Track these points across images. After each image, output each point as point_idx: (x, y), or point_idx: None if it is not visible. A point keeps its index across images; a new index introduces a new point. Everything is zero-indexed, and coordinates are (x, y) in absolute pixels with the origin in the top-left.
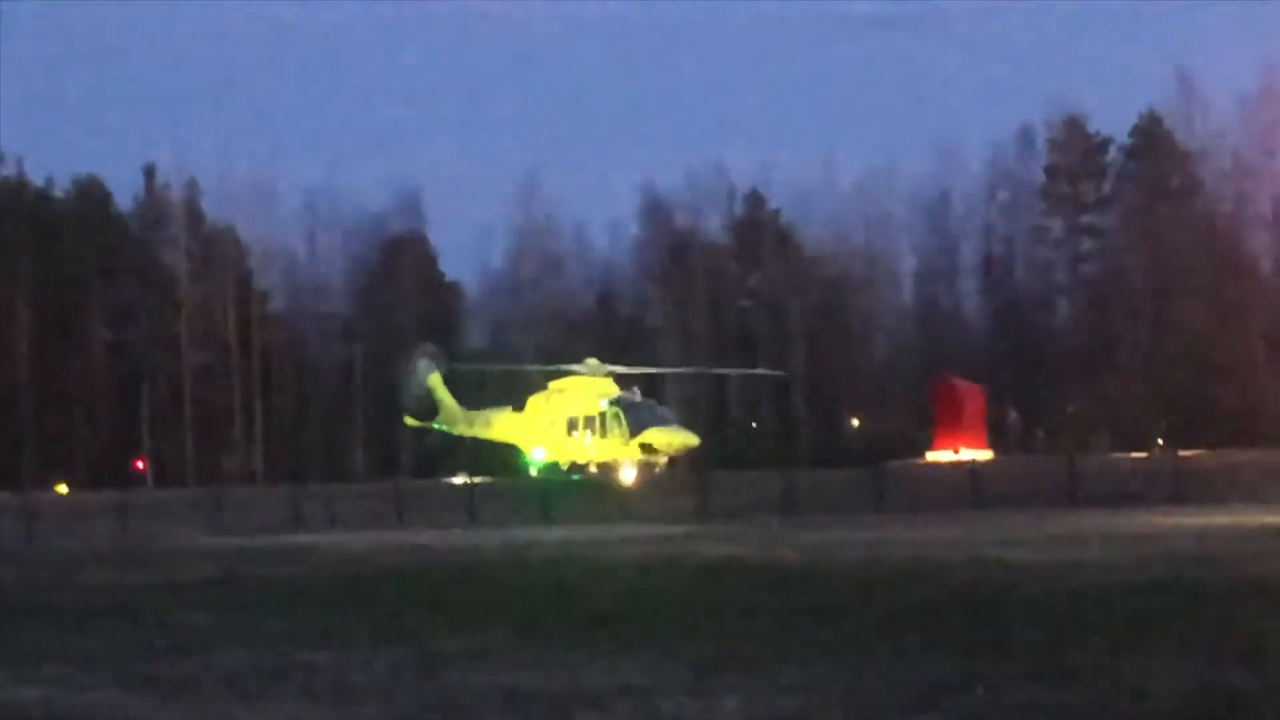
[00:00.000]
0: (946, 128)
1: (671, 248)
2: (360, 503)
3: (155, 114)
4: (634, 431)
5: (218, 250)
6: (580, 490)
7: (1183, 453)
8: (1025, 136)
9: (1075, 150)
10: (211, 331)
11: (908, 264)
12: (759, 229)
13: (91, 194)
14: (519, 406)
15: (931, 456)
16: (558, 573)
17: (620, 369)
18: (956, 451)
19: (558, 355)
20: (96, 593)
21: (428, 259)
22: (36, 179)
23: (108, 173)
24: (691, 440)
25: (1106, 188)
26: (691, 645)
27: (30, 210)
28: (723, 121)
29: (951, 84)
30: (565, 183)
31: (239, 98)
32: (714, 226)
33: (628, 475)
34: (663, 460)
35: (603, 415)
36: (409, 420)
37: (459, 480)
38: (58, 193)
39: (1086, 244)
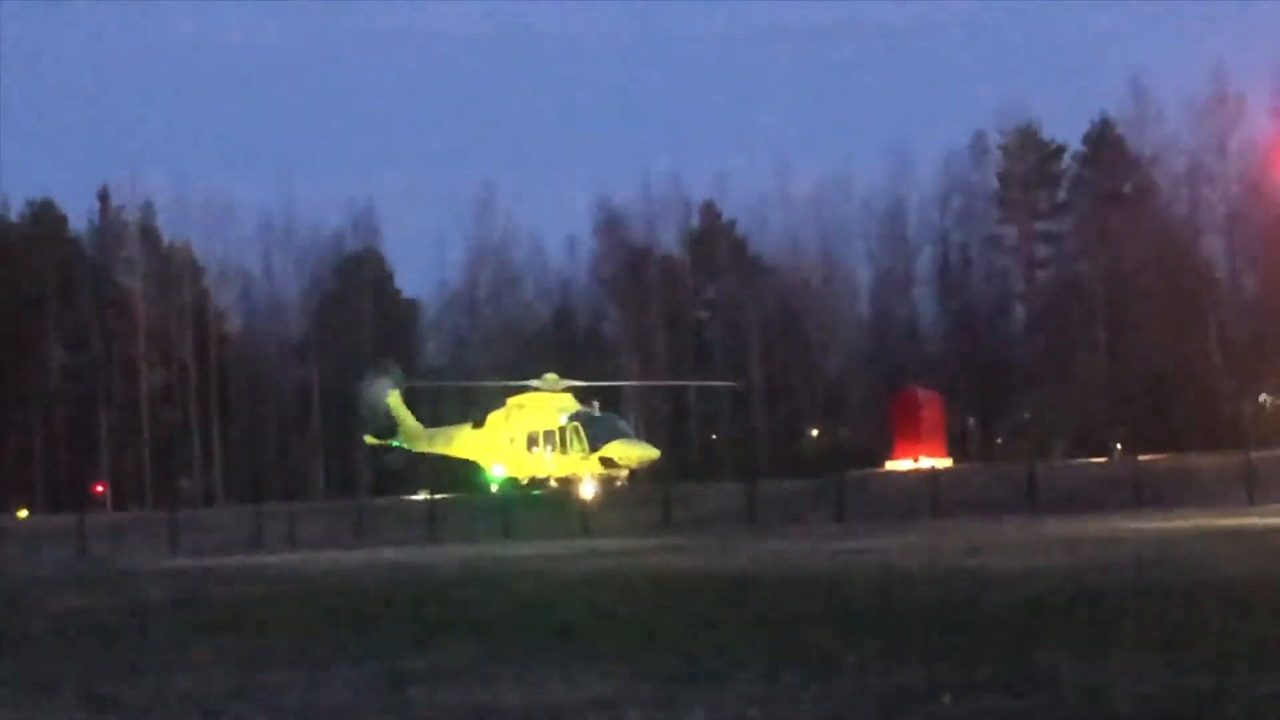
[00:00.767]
0: (900, 137)
1: (628, 261)
2: (320, 522)
3: (109, 136)
4: (594, 446)
5: (174, 271)
6: (541, 505)
7: (1142, 457)
8: (979, 144)
9: (1029, 157)
10: (169, 352)
11: (863, 273)
12: (714, 241)
13: (46, 216)
14: (478, 423)
15: (891, 465)
16: (521, 588)
17: (579, 383)
18: (916, 460)
19: (516, 371)
20: (58, 616)
21: (384, 276)
22: None
23: (62, 195)
24: (652, 453)
25: (1061, 194)
26: (657, 658)
27: None
28: (677, 134)
29: (904, 93)
30: (520, 198)
31: (193, 118)
32: (670, 239)
33: (588, 490)
34: (623, 474)
35: (562, 430)
36: (368, 438)
37: (420, 498)
38: (12, 216)
39: (1042, 251)
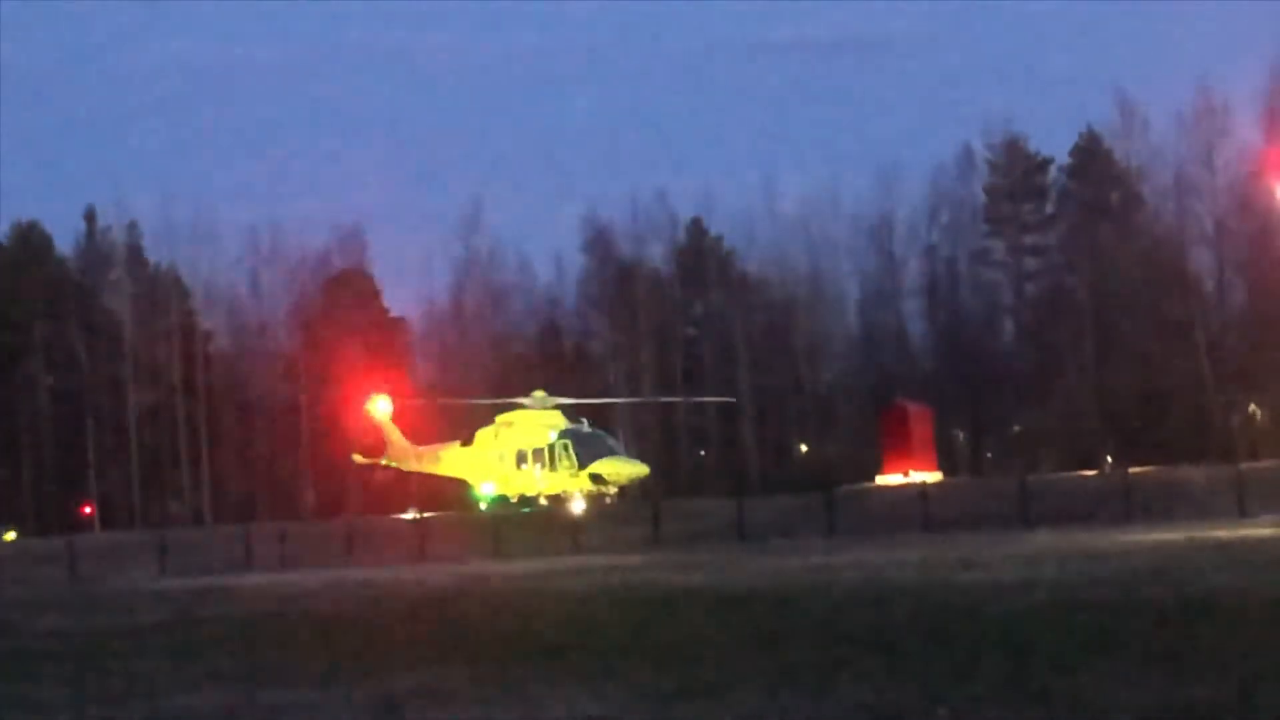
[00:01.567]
0: (887, 151)
1: (615, 277)
2: (310, 541)
3: (95, 157)
4: (583, 463)
5: (160, 292)
6: (531, 523)
7: (1132, 470)
8: (965, 158)
9: (1016, 171)
10: (156, 373)
11: (852, 288)
12: (702, 257)
13: (32, 238)
14: (467, 441)
15: (881, 480)
16: (512, 605)
17: (568, 400)
18: (906, 474)
19: (504, 388)
20: (51, 638)
21: (371, 295)
22: None
23: (48, 217)
24: (641, 470)
25: (1048, 207)
26: (650, 674)
27: None
28: (664, 150)
29: (891, 107)
30: (508, 215)
31: (179, 140)
32: (657, 255)
33: (578, 507)
34: (613, 490)
35: (551, 447)
36: (357, 457)
37: (409, 516)
38: None
39: (1029, 264)
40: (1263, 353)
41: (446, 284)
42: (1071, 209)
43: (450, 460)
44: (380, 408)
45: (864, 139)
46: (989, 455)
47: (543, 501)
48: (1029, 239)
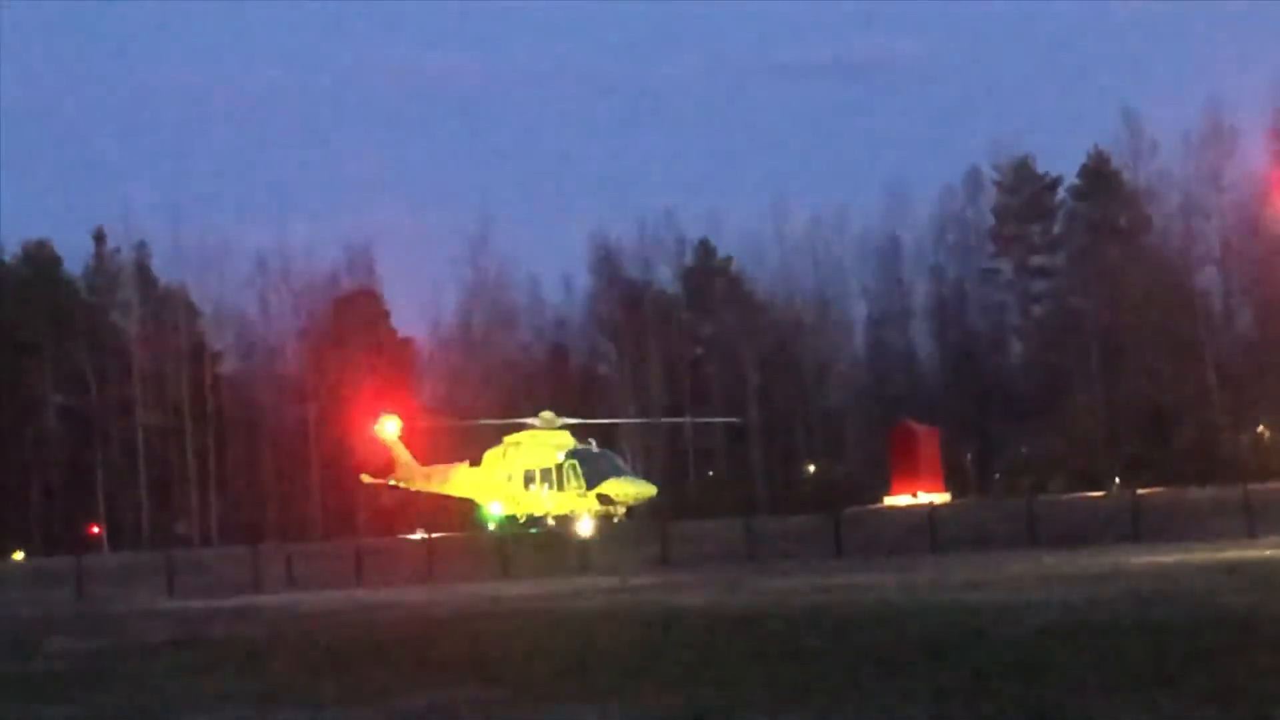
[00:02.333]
0: (894, 172)
1: (623, 298)
2: (319, 562)
3: (104, 177)
4: (591, 483)
5: (169, 312)
6: (539, 543)
7: (1140, 491)
8: (973, 179)
9: (1023, 192)
10: (164, 394)
11: (859, 309)
12: (710, 278)
13: (41, 258)
14: (475, 461)
15: (889, 501)
16: (521, 626)
17: (575, 420)
18: (914, 495)
19: (512, 409)
20: (61, 659)
21: (380, 315)
22: None
23: (57, 237)
24: (649, 490)
25: (1056, 228)
26: (661, 694)
27: None
28: (672, 172)
29: (899, 129)
30: (516, 236)
31: (188, 160)
32: (665, 276)
33: (586, 527)
34: (621, 511)
35: (559, 467)
36: (365, 477)
37: (417, 537)
38: (7, 258)
39: (1037, 285)
40: (1270, 373)
41: (455, 304)
42: (1079, 230)
43: (458, 480)
44: (388, 428)
45: (872, 160)
46: (996, 476)
47: (550, 522)
48: (1036, 260)
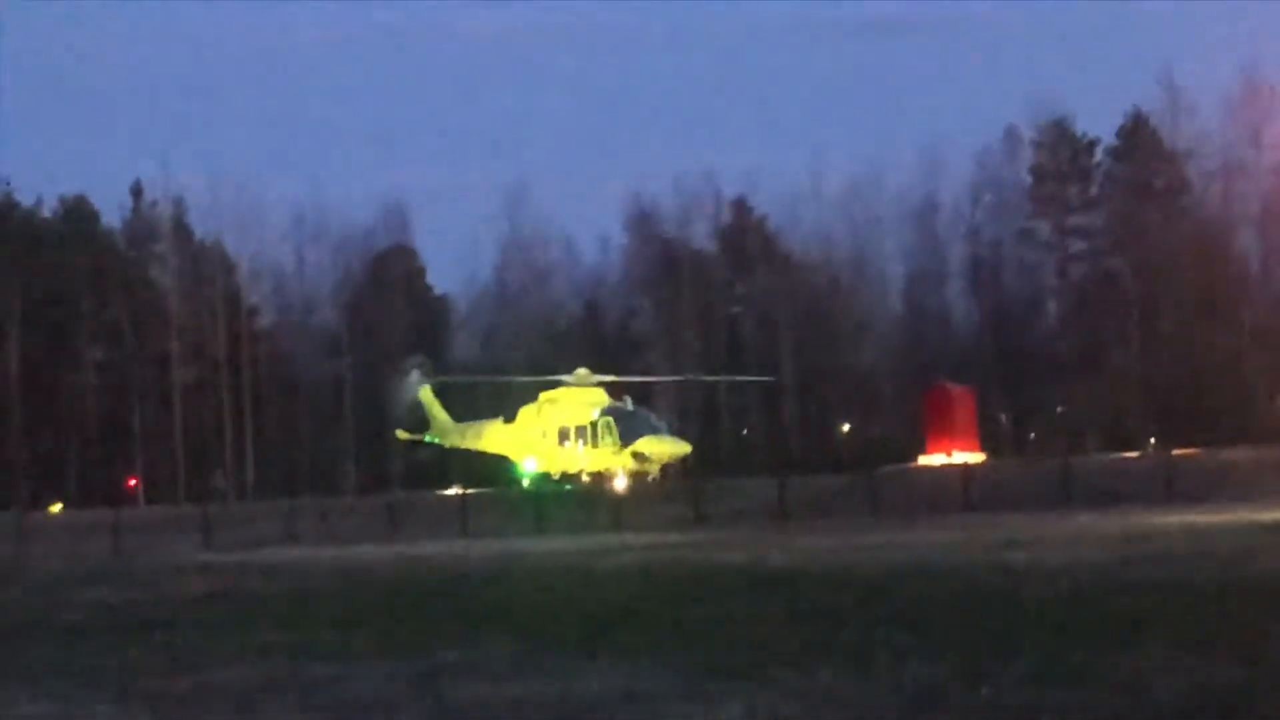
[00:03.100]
0: (932, 132)
1: (659, 257)
2: (353, 516)
3: (142, 132)
4: (626, 441)
5: (206, 266)
6: (573, 500)
7: (1175, 451)
8: (1011, 139)
9: (1061, 152)
10: (201, 348)
11: (896, 269)
12: (746, 236)
13: (79, 212)
14: (510, 418)
15: (924, 460)
16: (554, 582)
17: (610, 378)
18: (949, 455)
19: (547, 366)
20: (94, 610)
21: (416, 272)
22: (24, 199)
23: (95, 191)
24: (683, 448)
25: (1093, 189)
26: (692, 651)
27: (18, 230)
28: (709, 130)
29: (936, 88)
30: (552, 194)
31: (225, 114)
32: (701, 235)
33: (620, 484)
34: (655, 469)
35: (594, 425)
36: (401, 433)
37: (452, 492)
38: (45, 212)
39: (1074, 245)
40: None
41: (491, 261)
42: (1117, 191)
43: (493, 437)
44: (424, 384)
45: (909, 119)
46: (1032, 436)
47: (585, 479)
48: (1074, 220)
